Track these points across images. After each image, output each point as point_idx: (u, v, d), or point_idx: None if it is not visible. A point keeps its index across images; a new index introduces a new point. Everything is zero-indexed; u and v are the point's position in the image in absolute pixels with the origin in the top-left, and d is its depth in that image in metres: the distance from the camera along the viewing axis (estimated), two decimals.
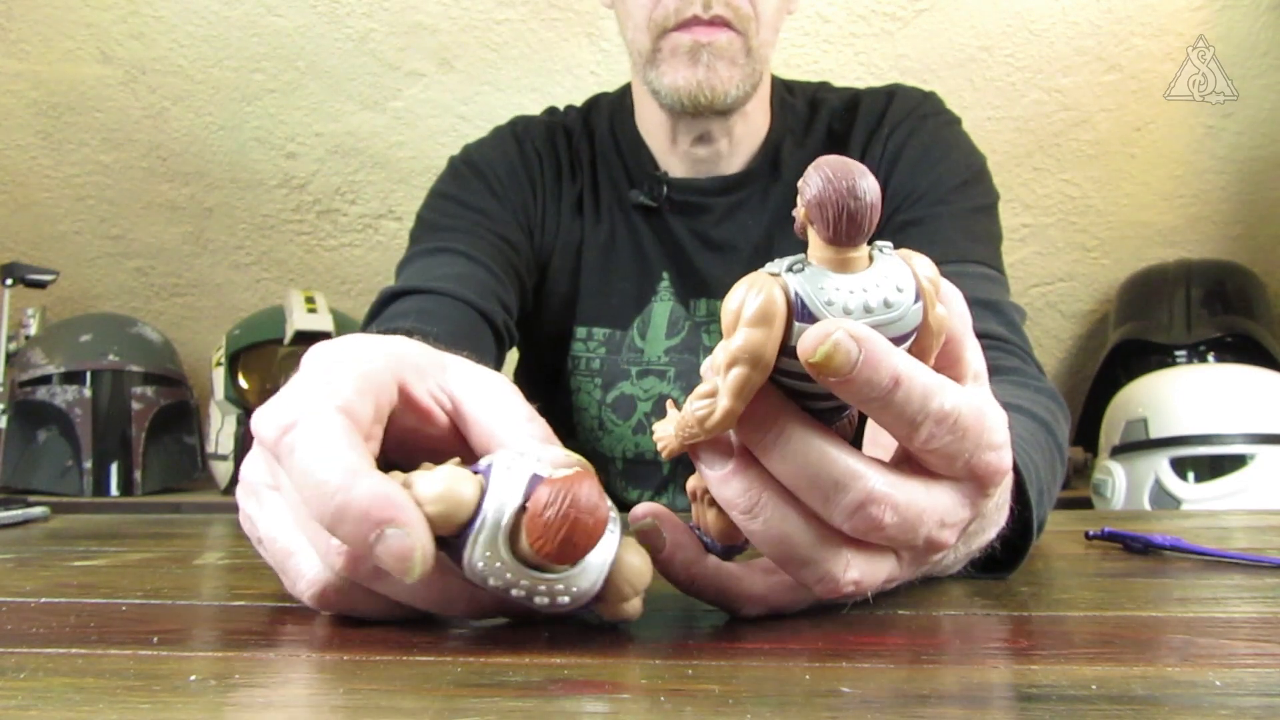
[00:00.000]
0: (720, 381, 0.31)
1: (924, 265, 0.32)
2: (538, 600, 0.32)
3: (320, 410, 0.33)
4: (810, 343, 0.29)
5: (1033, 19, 1.81)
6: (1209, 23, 1.80)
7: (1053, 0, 1.80)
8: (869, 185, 0.30)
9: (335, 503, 0.30)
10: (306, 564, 0.35)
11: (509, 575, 0.31)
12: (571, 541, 0.30)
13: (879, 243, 0.32)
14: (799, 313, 0.30)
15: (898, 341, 0.31)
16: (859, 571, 0.33)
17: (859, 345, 0.29)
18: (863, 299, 0.30)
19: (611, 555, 0.33)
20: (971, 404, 0.32)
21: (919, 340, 0.33)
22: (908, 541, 0.33)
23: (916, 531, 0.33)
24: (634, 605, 0.34)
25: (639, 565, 0.34)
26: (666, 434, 0.34)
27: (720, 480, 0.33)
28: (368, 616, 0.36)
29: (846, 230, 0.30)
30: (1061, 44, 1.83)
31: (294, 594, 0.36)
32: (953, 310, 0.33)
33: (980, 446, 0.32)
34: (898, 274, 0.31)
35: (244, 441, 1.72)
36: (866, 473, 0.31)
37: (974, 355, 0.35)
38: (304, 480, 0.32)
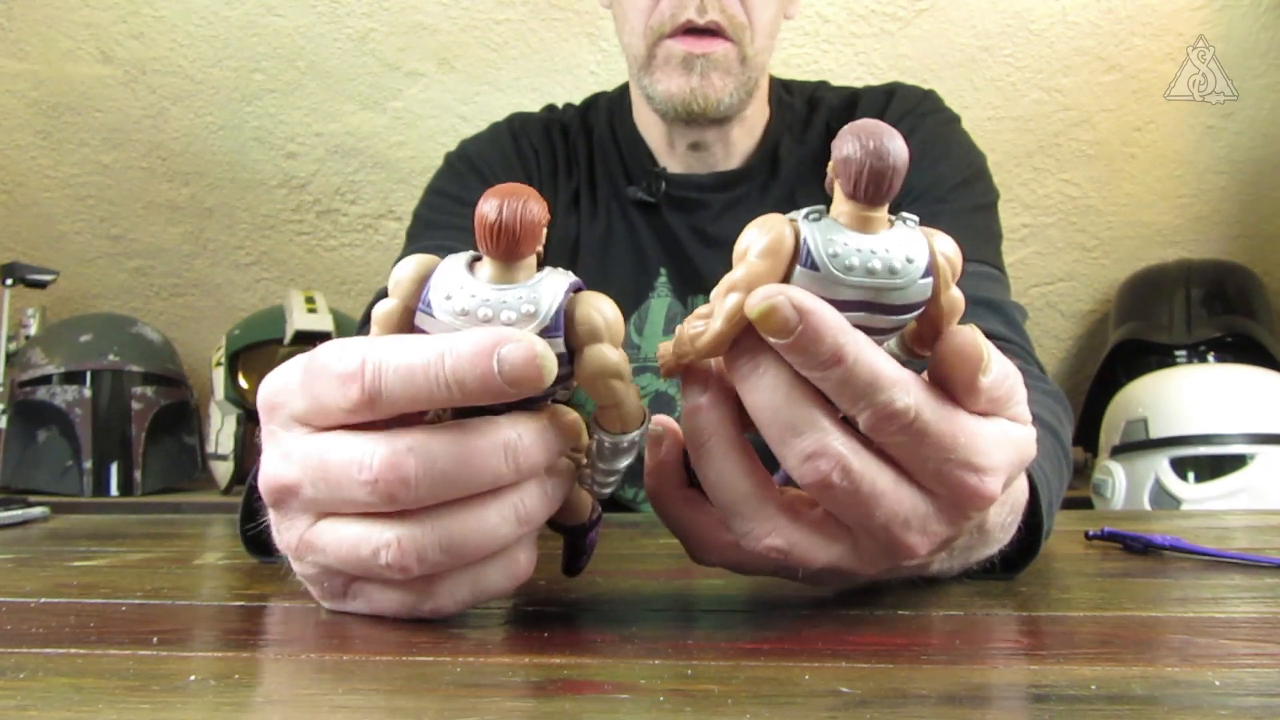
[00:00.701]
0: (718, 306, 0.32)
1: (946, 244, 0.33)
2: (504, 315, 0.32)
3: (375, 337, 0.33)
4: (755, 298, 0.31)
5: (1033, 19, 1.81)
6: (1209, 23, 1.80)
7: (1053, 0, 1.80)
8: (897, 148, 0.30)
9: (449, 368, 0.31)
10: (379, 531, 0.33)
11: (472, 296, 0.32)
12: (508, 230, 0.31)
13: (906, 214, 0.32)
14: (803, 258, 0.31)
15: (897, 311, 0.32)
16: (785, 540, 0.34)
17: (800, 316, 0.30)
18: (868, 259, 0.31)
19: (566, 284, 0.32)
20: (943, 414, 0.32)
21: (928, 321, 0.33)
22: (861, 520, 0.34)
23: (869, 511, 0.33)
24: (611, 358, 0.33)
25: (607, 308, 0.33)
26: (666, 351, 0.35)
27: (687, 412, 0.35)
28: (449, 549, 0.34)
29: (866, 188, 0.30)
30: (1061, 44, 1.83)
31: (381, 568, 0.34)
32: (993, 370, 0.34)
33: (950, 462, 0.32)
34: (912, 245, 0.31)
35: (244, 441, 1.72)
36: (828, 427, 0.32)
37: (994, 383, 0.34)
38: (409, 380, 0.31)
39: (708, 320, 0.33)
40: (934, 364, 0.34)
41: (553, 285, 0.32)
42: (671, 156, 0.91)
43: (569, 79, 1.88)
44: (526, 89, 1.89)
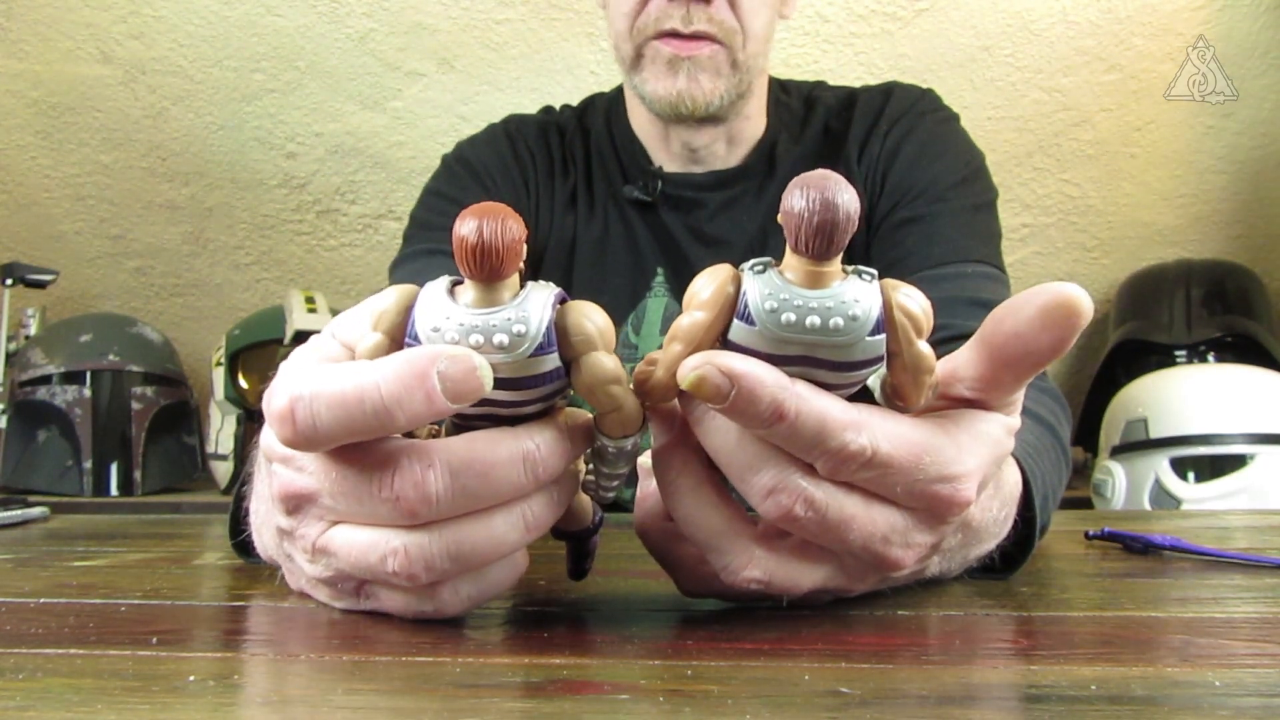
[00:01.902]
0: (663, 354, 0.32)
1: (911, 300, 0.31)
2: (496, 338, 0.31)
3: (306, 368, 0.32)
4: (684, 369, 0.30)
5: (1033, 19, 1.81)
6: (1209, 23, 1.80)
7: (1053, 0, 1.80)
8: (845, 200, 0.29)
9: (384, 394, 0.30)
10: (387, 538, 0.33)
11: (460, 324, 0.31)
12: (490, 251, 0.30)
13: (863, 268, 0.31)
14: (740, 311, 0.31)
15: (843, 368, 0.31)
16: (764, 570, 0.34)
17: (732, 381, 0.30)
18: (805, 315, 0.30)
19: (551, 298, 0.32)
20: (902, 440, 0.32)
21: (893, 376, 0.32)
22: (838, 544, 0.34)
23: (843, 536, 0.33)
24: (608, 366, 0.32)
25: (597, 315, 0.32)
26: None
27: (655, 452, 0.36)
28: (457, 557, 0.33)
29: (810, 242, 0.30)
30: (1061, 44, 1.83)
31: (389, 575, 0.33)
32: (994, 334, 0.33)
33: (918, 480, 0.32)
34: (861, 301, 0.30)
35: (244, 441, 1.72)
36: (785, 461, 0.32)
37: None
38: (343, 411, 0.30)
39: (653, 367, 0.33)
40: (1020, 328, 0.32)
41: (539, 301, 0.31)
42: (668, 156, 0.90)
43: (569, 79, 1.88)
44: (526, 89, 1.89)
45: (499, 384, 0.31)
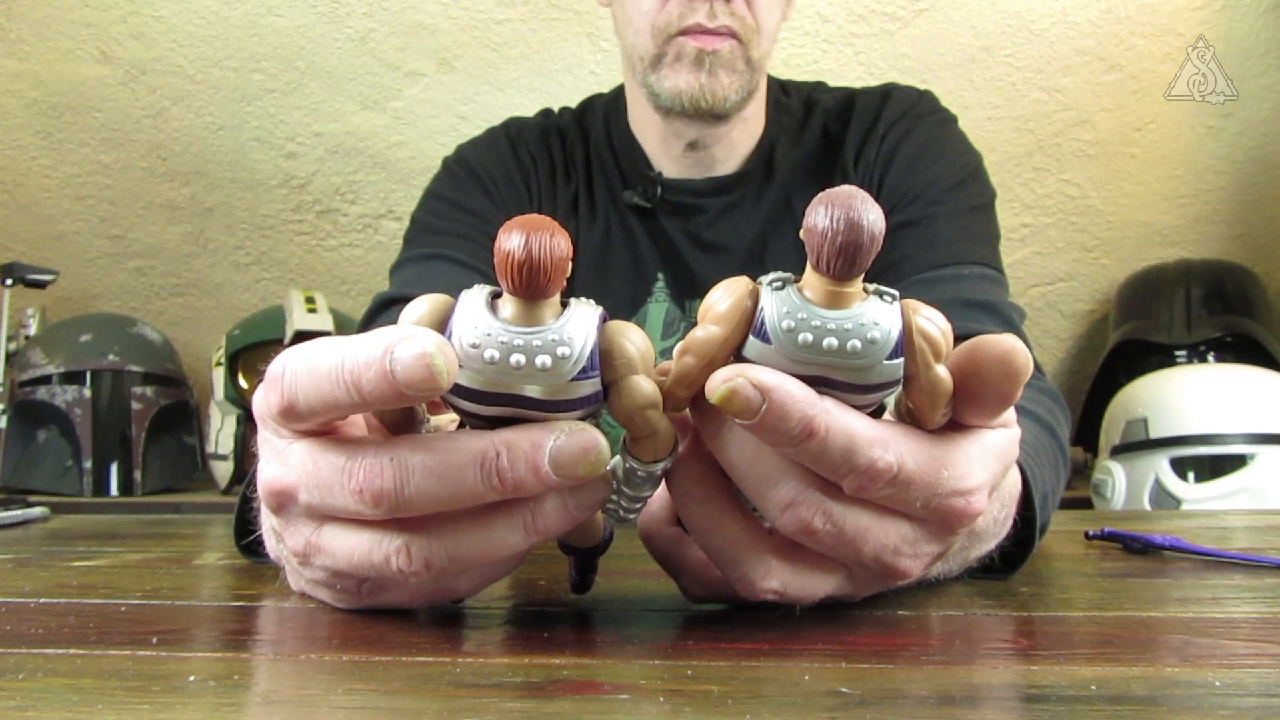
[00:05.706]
0: (675, 365, 0.32)
1: (931, 322, 0.31)
2: (539, 359, 0.29)
3: (284, 367, 0.32)
4: (714, 382, 0.30)
5: (1033, 19, 1.81)
6: (1209, 23, 1.80)
7: (1053, 0, 1.80)
8: (870, 220, 0.28)
9: (348, 369, 0.29)
10: (389, 537, 0.33)
11: (501, 342, 0.29)
12: (537, 268, 0.28)
13: (885, 289, 0.31)
14: (756, 328, 0.30)
15: (859, 390, 0.31)
16: (780, 581, 0.34)
17: (764, 395, 0.29)
18: (823, 336, 0.29)
19: (595, 319, 0.30)
20: (924, 455, 0.32)
21: (910, 398, 0.32)
22: (850, 556, 0.33)
23: (857, 548, 0.33)
24: (646, 390, 0.31)
25: (638, 337, 0.31)
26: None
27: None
28: (456, 554, 0.33)
29: (831, 262, 0.29)
30: (1061, 44, 1.83)
31: (394, 572, 0.33)
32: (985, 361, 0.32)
33: (936, 495, 0.32)
34: (880, 324, 0.30)
35: (244, 441, 1.72)
36: (801, 475, 0.32)
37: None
38: (316, 383, 0.30)
39: (664, 378, 0.32)
40: (966, 373, 0.32)
41: (582, 322, 0.30)
42: (667, 159, 0.90)
43: (569, 79, 1.88)
44: (526, 89, 1.89)
45: (532, 404, 0.30)
